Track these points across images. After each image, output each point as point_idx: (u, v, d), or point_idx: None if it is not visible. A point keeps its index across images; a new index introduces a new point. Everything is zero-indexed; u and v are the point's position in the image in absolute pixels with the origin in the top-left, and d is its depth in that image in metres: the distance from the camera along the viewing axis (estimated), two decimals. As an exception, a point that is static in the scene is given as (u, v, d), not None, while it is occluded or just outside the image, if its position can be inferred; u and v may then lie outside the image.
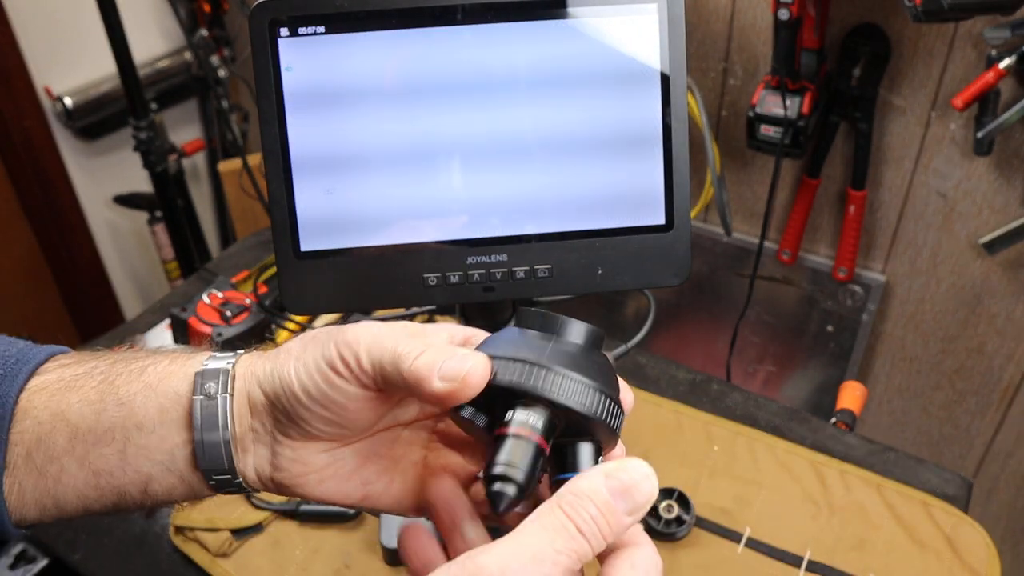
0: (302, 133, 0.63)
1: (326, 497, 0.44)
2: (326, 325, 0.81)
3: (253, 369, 0.44)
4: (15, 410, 0.43)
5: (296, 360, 0.42)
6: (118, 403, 0.43)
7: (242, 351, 0.46)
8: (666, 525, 0.80)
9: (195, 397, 0.43)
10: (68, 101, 1.74)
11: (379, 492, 0.45)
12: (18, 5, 1.63)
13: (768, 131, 1.24)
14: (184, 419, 0.43)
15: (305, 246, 0.65)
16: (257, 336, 1.00)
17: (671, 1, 0.62)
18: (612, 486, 0.35)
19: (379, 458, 0.45)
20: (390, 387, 0.41)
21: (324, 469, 0.43)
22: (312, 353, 0.42)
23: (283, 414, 0.43)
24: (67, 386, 0.44)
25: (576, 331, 0.40)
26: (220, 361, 0.44)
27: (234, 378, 0.44)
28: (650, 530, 0.80)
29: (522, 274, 0.66)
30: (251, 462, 0.44)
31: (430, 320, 1.03)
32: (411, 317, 1.01)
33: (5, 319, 1.82)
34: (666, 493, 0.82)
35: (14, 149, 1.73)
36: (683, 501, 0.82)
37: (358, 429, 0.43)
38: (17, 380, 0.44)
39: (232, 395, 0.43)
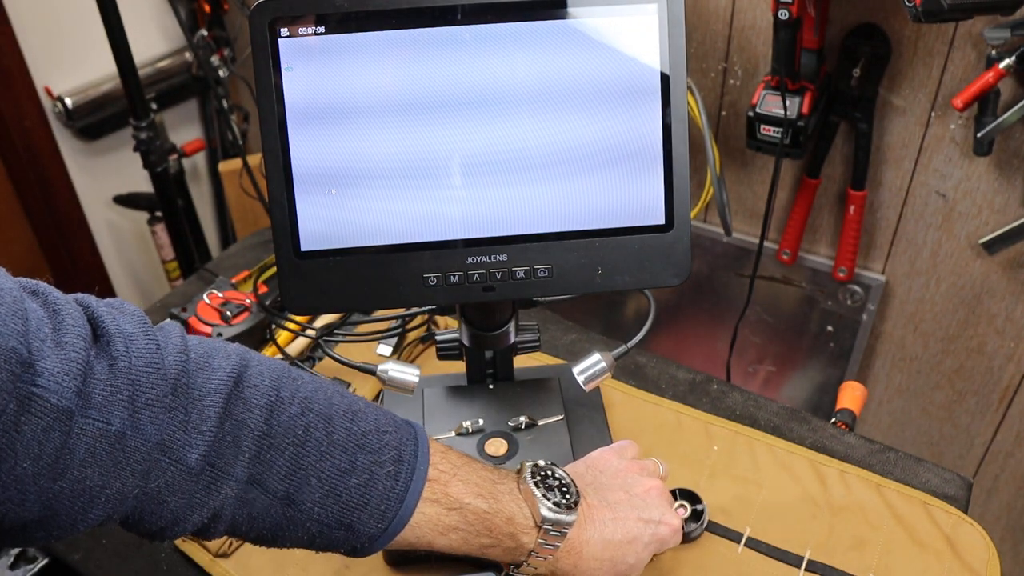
0: (302, 133, 0.63)
1: None
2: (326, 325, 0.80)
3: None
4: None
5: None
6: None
7: (576, 503, 0.63)
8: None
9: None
10: (68, 101, 1.74)
11: None
12: (18, 5, 1.63)
13: (768, 131, 1.24)
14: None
15: (305, 246, 0.65)
16: (257, 336, 1.00)
17: (671, 1, 0.62)
18: None
19: None
20: None
21: None
22: None
23: None
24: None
25: None
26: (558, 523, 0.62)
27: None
28: None
29: (522, 274, 0.66)
30: None
31: (430, 320, 1.03)
32: (411, 317, 1.01)
33: (5, 319, 1.82)
34: (672, 496, 0.81)
35: (14, 149, 1.73)
36: (690, 497, 0.81)
37: None
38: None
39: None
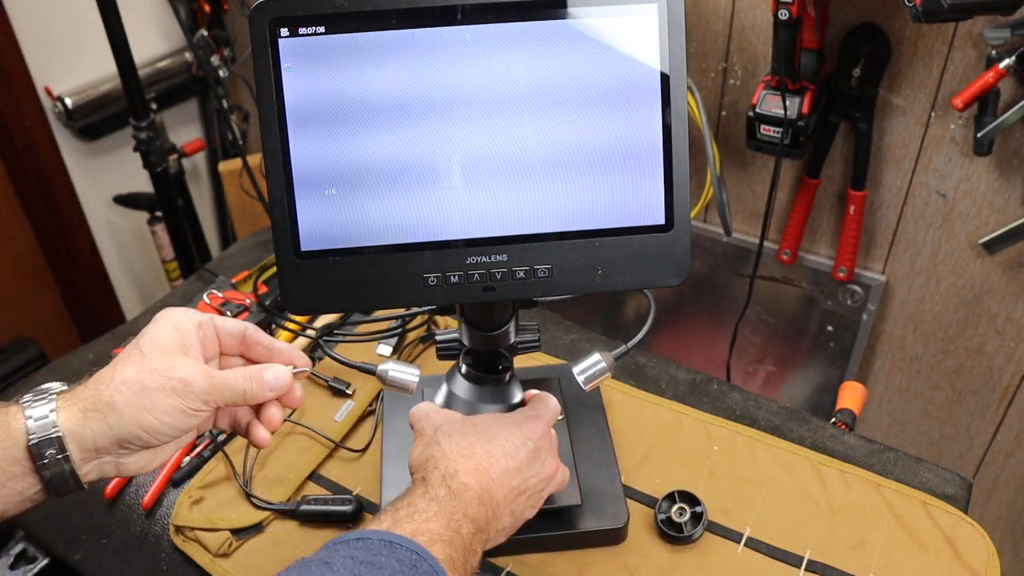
0: (302, 133, 0.63)
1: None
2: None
3: (85, 427, 0.55)
4: None
5: (145, 413, 0.55)
6: None
7: (53, 396, 0.56)
8: (681, 528, 0.79)
9: (41, 469, 0.54)
10: (68, 101, 1.73)
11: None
12: (18, 5, 1.63)
13: (768, 131, 1.24)
14: (29, 473, 0.54)
15: (305, 246, 0.65)
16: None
17: (671, 1, 0.62)
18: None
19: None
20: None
21: (166, 449, 0.59)
22: (164, 404, 0.56)
23: (128, 448, 0.56)
24: None
25: None
26: (43, 423, 0.54)
27: (67, 437, 0.55)
28: (670, 539, 0.79)
29: (522, 274, 0.66)
30: (96, 473, 0.57)
31: (430, 320, 1.03)
32: (411, 317, 1.01)
33: (5, 319, 1.82)
34: (671, 498, 0.81)
35: (14, 149, 1.73)
36: (689, 499, 0.81)
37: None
38: None
39: (72, 456, 0.54)
